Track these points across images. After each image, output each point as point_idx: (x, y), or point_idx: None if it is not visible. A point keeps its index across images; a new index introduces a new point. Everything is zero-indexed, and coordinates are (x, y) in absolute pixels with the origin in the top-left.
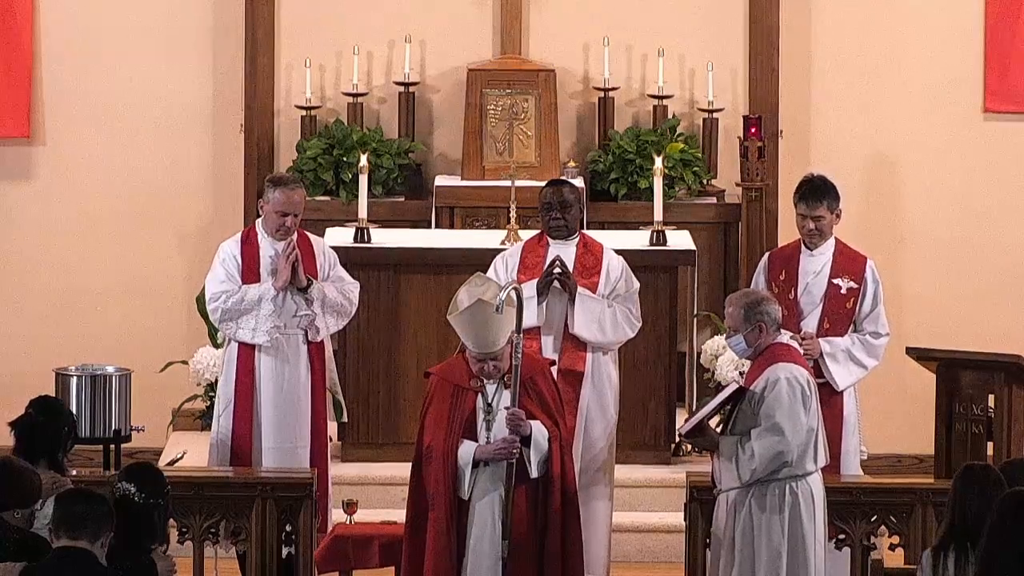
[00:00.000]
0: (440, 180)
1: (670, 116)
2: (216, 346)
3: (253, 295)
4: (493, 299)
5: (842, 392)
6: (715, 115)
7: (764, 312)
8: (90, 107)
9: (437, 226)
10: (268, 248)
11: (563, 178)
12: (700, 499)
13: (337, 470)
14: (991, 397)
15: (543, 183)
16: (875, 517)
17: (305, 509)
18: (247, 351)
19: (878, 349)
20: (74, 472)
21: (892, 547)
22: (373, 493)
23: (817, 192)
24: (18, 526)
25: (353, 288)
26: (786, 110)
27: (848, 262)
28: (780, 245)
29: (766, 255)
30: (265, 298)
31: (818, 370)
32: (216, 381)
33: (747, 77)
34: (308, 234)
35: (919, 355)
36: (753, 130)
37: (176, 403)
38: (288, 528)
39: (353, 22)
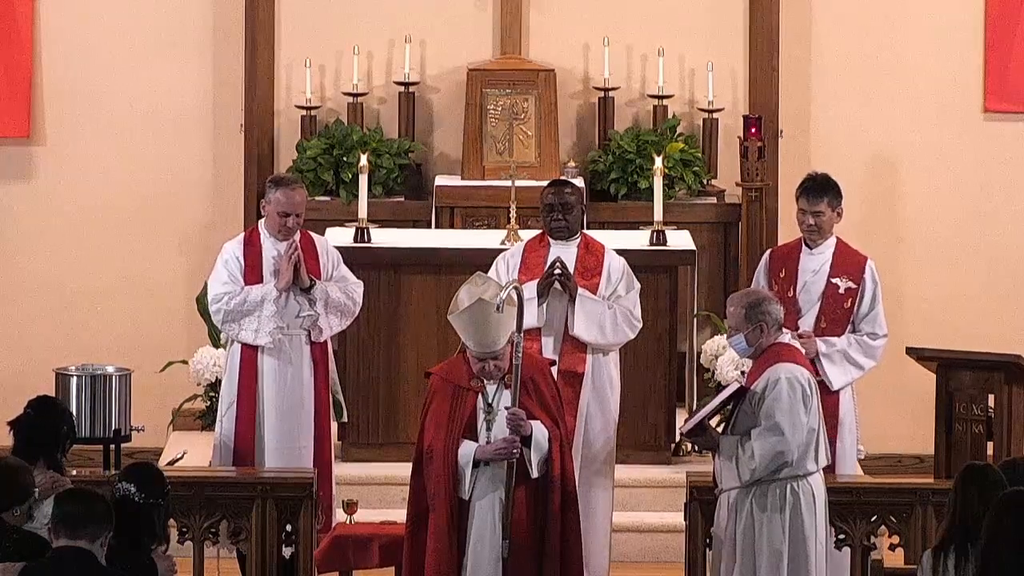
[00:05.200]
0: (440, 180)
1: (670, 116)
2: (216, 346)
3: (256, 296)
4: (494, 299)
5: (837, 392)
6: (715, 115)
7: (765, 312)
8: (90, 107)
9: (437, 226)
10: (271, 248)
11: (564, 178)
12: (700, 499)
13: (337, 470)
14: (991, 397)
15: (543, 183)
16: (875, 517)
17: (305, 509)
18: (250, 352)
19: (875, 350)
20: (74, 472)
21: (892, 547)
22: (373, 493)
23: (819, 188)
24: (17, 526)
25: (357, 288)
26: (786, 110)
27: (848, 262)
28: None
29: (767, 252)
30: (268, 299)
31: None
32: (216, 381)
33: (747, 77)
34: (311, 234)
35: (919, 355)
36: (753, 130)
37: (176, 403)
38: (288, 528)
39: (353, 22)
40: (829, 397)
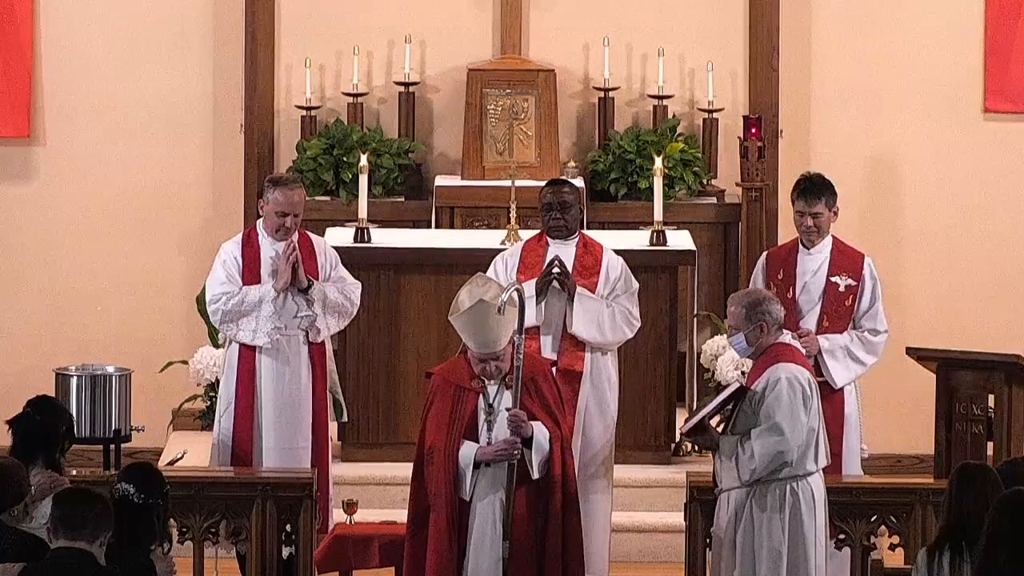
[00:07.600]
0: (440, 180)
1: (670, 116)
2: (216, 346)
3: (253, 296)
4: (495, 300)
5: (843, 390)
6: (715, 115)
7: (766, 312)
8: (90, 107)
9: (437, 226)
10: (269, 249)
11: (563, 178)
12: (700, 499)
13: (337, 470)
14: (991, 397)
15: (543, 183)
16: (875, 517)
17: (305, 509)
18: (248, 352)
19: (877, 346)
20: (73, 472)
21: (892, 547)
22: (373, 493)
23: (815, 188)
24: (15, 527)
25: (354, 288)
26: (786, 110)
27: (846, 260)
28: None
29: (764, 254)
30: (265, 299)
31: (817, 368)
32: (216, 381)
33: (747, 77)
34: (309, 234)
35: (919, 355)
36: (753, 130)
37: (176, 403)
38: (288, 528)
39: (353, 22)
40: (835, 396)
